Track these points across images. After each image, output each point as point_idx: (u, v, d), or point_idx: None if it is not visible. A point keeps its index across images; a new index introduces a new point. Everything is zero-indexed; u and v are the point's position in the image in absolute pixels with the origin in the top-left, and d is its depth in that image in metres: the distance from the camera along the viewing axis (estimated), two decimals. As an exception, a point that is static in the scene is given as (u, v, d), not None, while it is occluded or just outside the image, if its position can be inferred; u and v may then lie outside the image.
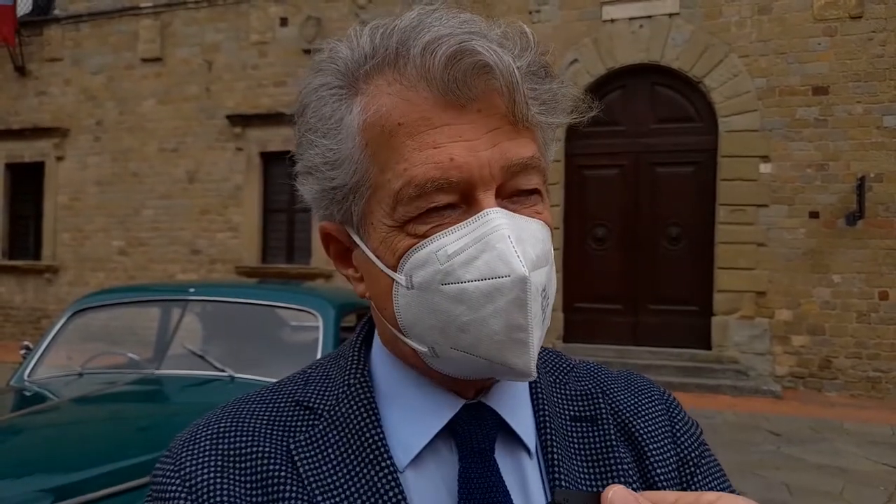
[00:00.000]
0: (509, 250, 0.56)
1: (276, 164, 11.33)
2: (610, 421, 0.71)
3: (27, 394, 3.35)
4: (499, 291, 0.56)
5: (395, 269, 0.60)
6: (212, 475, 0.61)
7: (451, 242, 0.58)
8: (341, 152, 0.62)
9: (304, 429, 0.65)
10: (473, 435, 0.64)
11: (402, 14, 0.61)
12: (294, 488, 0.61)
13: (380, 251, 0.62)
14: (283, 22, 11.30)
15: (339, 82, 0.62)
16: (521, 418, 0.68)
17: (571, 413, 0.71)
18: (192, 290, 3.81)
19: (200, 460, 0.62)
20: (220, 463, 0.62)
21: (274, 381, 0.73)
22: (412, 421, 0.65)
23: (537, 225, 0.61)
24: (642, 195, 9.47)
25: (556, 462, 0.66)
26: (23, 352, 3.79)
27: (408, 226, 0.59)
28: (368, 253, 0.63)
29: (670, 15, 9.23)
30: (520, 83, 0.57)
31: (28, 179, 13.08)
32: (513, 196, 0.61)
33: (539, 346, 0.59)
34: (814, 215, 8.68)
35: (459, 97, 0.58)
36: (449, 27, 0.58)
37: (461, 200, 0.59)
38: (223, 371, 3.31)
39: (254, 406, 0.67)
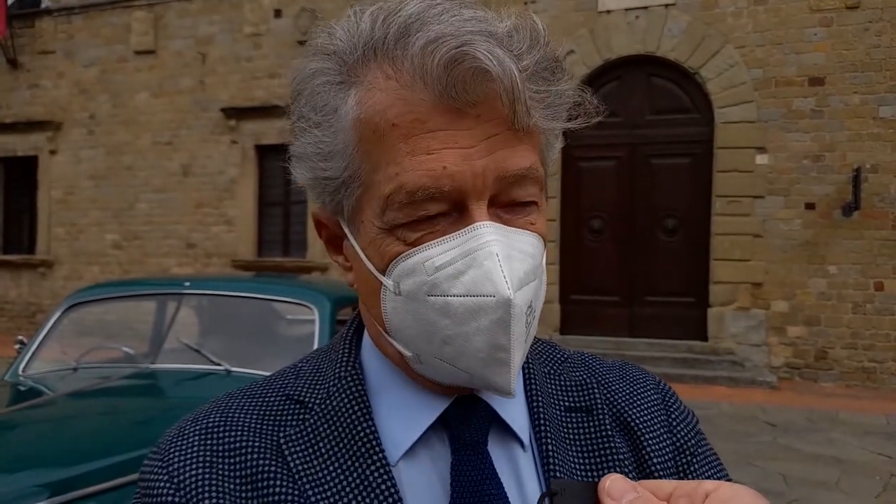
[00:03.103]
0: (496, 269, 0.55)
1: (271, 157, 11.28)
2: (605, 411, 0.70)
3: (22, 388, 3.34)
4: (483, 310, 0.55)
5: (383, 272, 0.59)
6: (200, 471, 0.60)
7: (438, 254, 0.56)
8: (334, 145, 0.60)
9: (294, 423, 0.64)
10: (465, 428, 0.64)
11: (404, 1, 0.58)
12: (284, 483, 0.60)
13: (369, 251, 0.61)
14: (278, 13, 11.24)
15: (335, 69, 0.60)
16: (515, 410, 0.67)
17: (566, 403, 0.70)
18: (187, 283, 3.79)
19: (188, 456, 0.61)
20: (208, 458, 0.61)
21: (269, 374, 0.72)
22: (403, 415, 0.64)
23: (529, 238, 0.59)
24: (638, 186, 9.46)
25: (550, 453, 0.65)
26: (17, 346, 3.77)
27: (397, 231, 0.58)
28: (358, 250, 0.62)
29: (666, 6, 9.20)
30: (521, 90, 0.55)
31: (21, 173, 13.02)
32: (507, 206, 0.59)
33: (521, 363, 0.58)
34: (810, 206, 8.69)
35: (457, 101, 0.55)
36: (451, 25, 0.55)
37: (452, 208, 0.57)
38: (219, 365, 3.30)
39: (243, 401, 0.66)
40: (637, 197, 9.47)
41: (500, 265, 0.55)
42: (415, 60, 0.55)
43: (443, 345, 0.57)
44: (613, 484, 0.48)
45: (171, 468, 0.61)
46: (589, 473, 0.66)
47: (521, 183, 0.58)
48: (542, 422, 0.67)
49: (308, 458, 0.61)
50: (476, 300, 0.55)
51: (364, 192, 0.60)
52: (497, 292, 0.54)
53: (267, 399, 0.66)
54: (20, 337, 3.91)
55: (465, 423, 0.64)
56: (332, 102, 0.60)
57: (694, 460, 0.71)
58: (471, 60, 0.53)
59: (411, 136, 0.56)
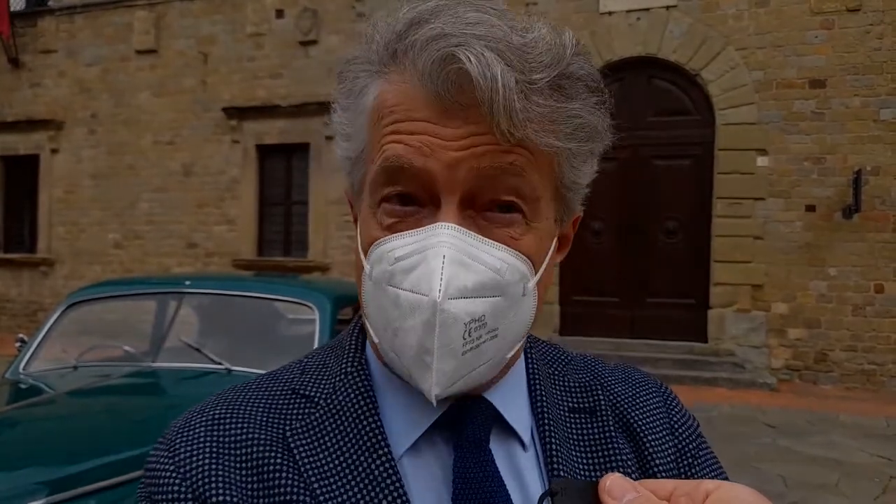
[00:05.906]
0: (436, 271, 0.54)
1: (272, 157, 11.29)
2: (608, 412, 0.70)
3: (22, 387, 3.34)
4: (418, 308, 0.55)
5: (366, 254, 0.61)
6: (206, 462, 0.61)
7: (400, 246, 0.58)
8: (354, 127, 0.64)
9: (300, 416, 0.64)
10: (468, 426, 0.64)
11: None
12: (290, 475, 0.60)
13: (361, 231, 0.63)
14: (279, 13, 11.24)
15: (369, 59, 0.63)
16: (517, 410, 0.67)
17: (570, 404, 0.71)
18: (188, 282, 3.79)
19: (195, 447, 0.62)
20: (215, 450, 0.61)
21: (274, 370, 0.72)
22: (405, 412, 0.64)
23: (499, 252, 0.58)
24: (639, 188, 9.46)
25: (554, 453, 0.65)
26: (18, 344, 3.78)
27: (377, 211, 0.60)
28: (357, 230, 0.65)
29: (668, 7, 9.20)
30: (502, 99, 0.54)
31: (23, 172, 13.01)
32: (488, 210, 0.59)
33: (456, 373, 0.57)
34: (810, 208, 8.69)
35: (447, 102, 0.56)
36: (456, 26, 0.56)
37: (428, 200, 0.59)
38: (219, 364, 3.30)
39: (249, 394, 0.67)
40: (638, 198, 9.47)
41: (443, 267, 0.55)
42: (415, 56, 0.57)
43: (393, 337, 0.58)
44: (614, 483, 0.48)
45: (177, 458, 0.61)
46: (592, 473, 0.66)
47: (501, 177, 0.58)
48: (545, 421, 0.67)
49: (314, 451, 0.62)
50: (415, 297, 0.56)
51: (366, 172, 0.63)
52: (430, 292, 0.54)
53: (273, 393, 0.67)
54: (21, 335, 3.91)
55: (468, 421, 0.64)
56: (358, 89, 0.63)
57: (696, 463, 0.72)
58: (457, 62, 0.54)
59: (402, 121, 0.59)
